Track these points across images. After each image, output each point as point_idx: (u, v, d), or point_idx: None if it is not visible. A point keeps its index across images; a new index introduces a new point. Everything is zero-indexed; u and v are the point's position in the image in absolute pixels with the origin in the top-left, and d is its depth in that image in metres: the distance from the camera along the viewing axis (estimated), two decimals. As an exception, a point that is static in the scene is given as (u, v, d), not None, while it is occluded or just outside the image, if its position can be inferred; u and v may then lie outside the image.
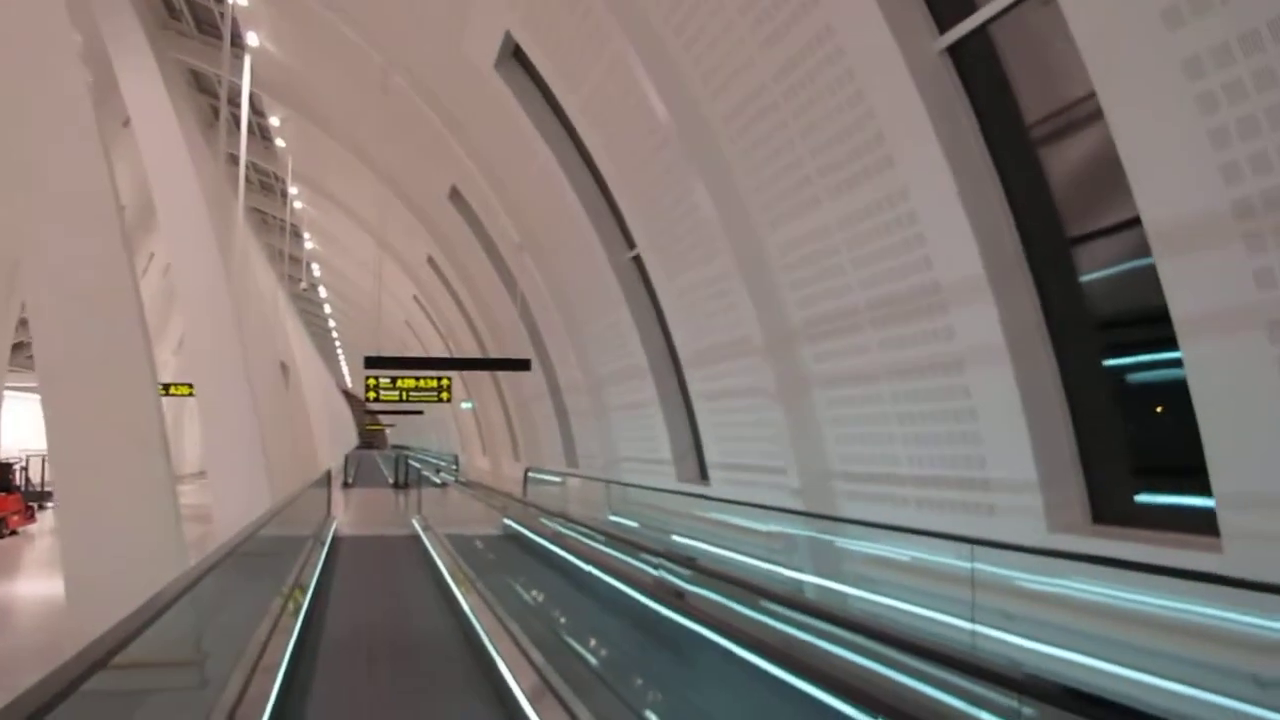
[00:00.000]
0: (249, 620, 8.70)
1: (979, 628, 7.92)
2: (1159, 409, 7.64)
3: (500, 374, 30.01)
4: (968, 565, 8.10)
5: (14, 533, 25.04)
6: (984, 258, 8.08)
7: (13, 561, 21.32)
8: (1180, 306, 6.29)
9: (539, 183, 18.36)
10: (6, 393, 31.19)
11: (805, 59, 9.40)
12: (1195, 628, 6.37)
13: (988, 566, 8.05)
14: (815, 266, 10.63)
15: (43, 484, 33.04)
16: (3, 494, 25.80)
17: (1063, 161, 7.87)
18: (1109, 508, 7.83)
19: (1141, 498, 7.64)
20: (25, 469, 31.64)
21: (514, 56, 16.40)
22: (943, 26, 8.12)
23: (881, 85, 8.59)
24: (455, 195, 24.47)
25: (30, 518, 26.89)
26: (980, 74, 8.12)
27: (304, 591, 11.50)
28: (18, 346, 33.95)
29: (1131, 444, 7.82)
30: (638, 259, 16.42)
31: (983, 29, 7.82)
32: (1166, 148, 6.12)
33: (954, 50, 8.14)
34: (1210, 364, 6.21)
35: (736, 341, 12.90)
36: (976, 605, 8.02)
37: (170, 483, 10.42)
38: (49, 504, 31.36)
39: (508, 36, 15.60)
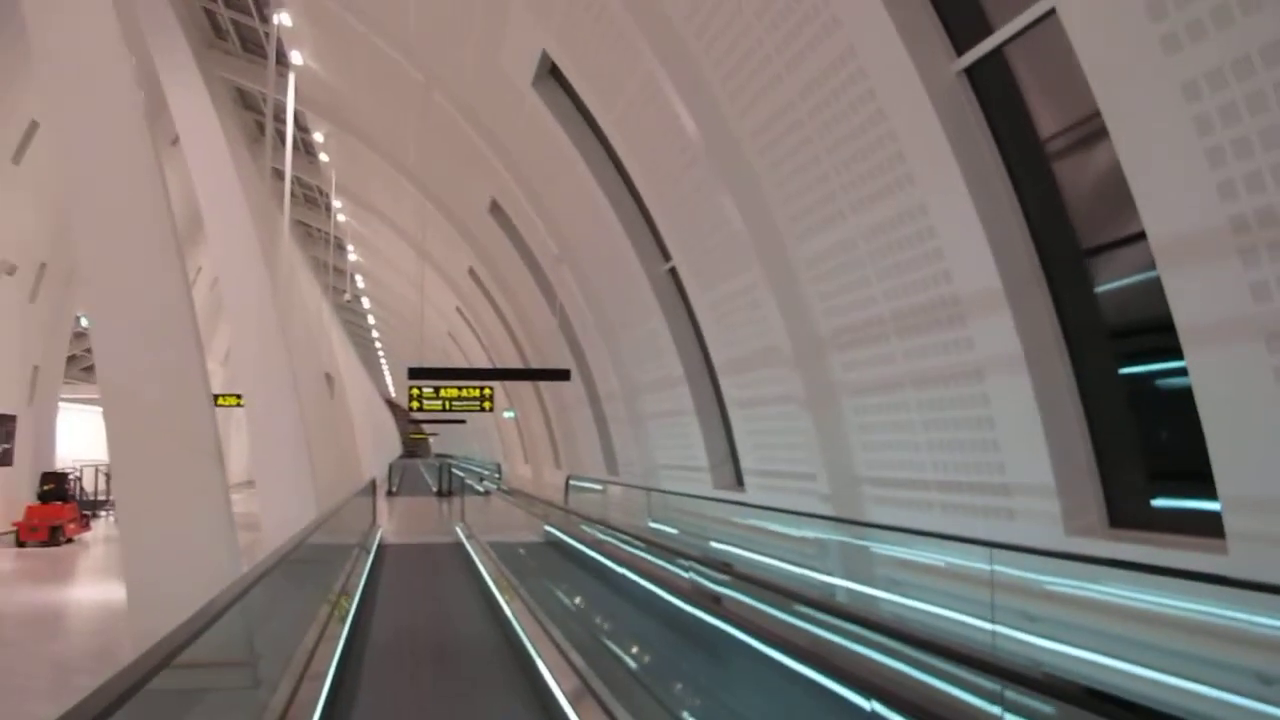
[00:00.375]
0: (297, 626, 8.98)
1: (999, 628, 8.15)
2: (1173, 415, 7.79)
3: (541, 383, 30.28)
4: (988, 568, 8.33)
5: (70, 540, 25.61)
6: (1001, 270, 8.30)
7: (69, 568, 21.88)
8: (1184, 317, 6.51)
9: (576, 197, 18.67)
10: (60, 404, 32.02)
11: (829, 79, 9.66)
12: (1204, 626, 6.58)
13: (1007, 569, 8.27)
14: (841, 278, 10.87)
15: (96, 493, 33.73)
16: (60, 503, 26.41)
17: (1077, 176, 8.08)
18: (1126, 512, 8.01)
19: (1158, 502, 7.83)
20: (79, 479, 32.31)
21: (550, 74, 16.73)
22: (960, 49, 8.36)
23: (901, 105, 8.84)
24: (495, 208, 24.81)
25: (85, 526, 27.47)
26: (996, 94, 8.34)
27: (350, 598, 11.81)
28: (70, 359, 34.75)
29: (1147, 449, 8.00)
30: (673, 271, 16.71)
31: (998, 51, 8.06)
32: (1167, 166, 6.35)
33: (970, 71, 8.38)
34: (1212, 373, 6.43)
35: (768, 350, 13.15)
36: (997, 606, 8.25)
37: (225, 491, 10.76)
38: (102, 513, 32.04)
39: (544, 55, 15.93)
